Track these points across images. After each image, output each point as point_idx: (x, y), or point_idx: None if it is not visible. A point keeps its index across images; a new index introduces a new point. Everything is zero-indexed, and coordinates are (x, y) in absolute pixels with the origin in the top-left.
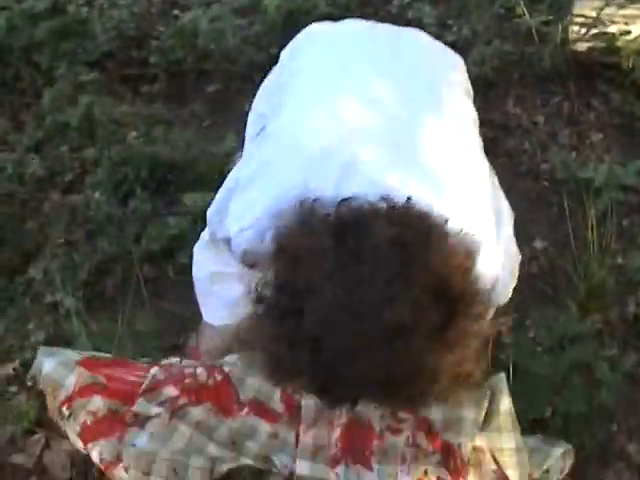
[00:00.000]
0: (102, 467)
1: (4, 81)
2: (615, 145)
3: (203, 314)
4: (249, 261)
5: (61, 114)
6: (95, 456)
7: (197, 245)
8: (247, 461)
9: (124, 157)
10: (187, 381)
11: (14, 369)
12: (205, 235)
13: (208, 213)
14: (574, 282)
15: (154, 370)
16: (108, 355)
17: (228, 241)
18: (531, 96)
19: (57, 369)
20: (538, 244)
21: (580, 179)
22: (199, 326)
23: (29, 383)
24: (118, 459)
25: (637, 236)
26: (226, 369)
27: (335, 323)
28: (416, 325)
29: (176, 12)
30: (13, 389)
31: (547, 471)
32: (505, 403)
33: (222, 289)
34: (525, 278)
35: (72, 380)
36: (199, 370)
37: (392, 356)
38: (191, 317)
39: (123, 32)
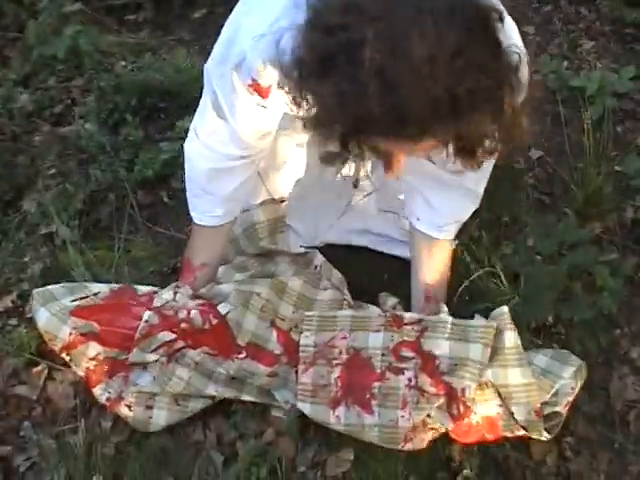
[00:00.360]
0: (107, 405)
1: None
2: (606, 52)
3: (196, 218)
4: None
5: (47, 47)
6: (102, 397)
7: (187, 142)
8: (248, 397)
9: (113, 86)
10: (182, 325)
11: (12, 302)
12: (197, 123)
13: (207, 67)
14: (571, 190)
15: (147, 315)
16: (101, 285)
17: (238, 66)
18: (521, 6)
19: (51, 320)
20: (534, 154)
21: (573, 87)
22: (190, 238)
23: (29, 315)
24: (121, 397)
25: (632, 142)
26: (222, 311)
27: (400, 41)
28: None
29: None
30: (13, 322)
31: (556, 394)
32: (511, 338)
33: (218, 187)
34: (523, 187)
35: (66, 330)
36: (193, 313)
37: (455, 73)
38: (187, 240)
39: None
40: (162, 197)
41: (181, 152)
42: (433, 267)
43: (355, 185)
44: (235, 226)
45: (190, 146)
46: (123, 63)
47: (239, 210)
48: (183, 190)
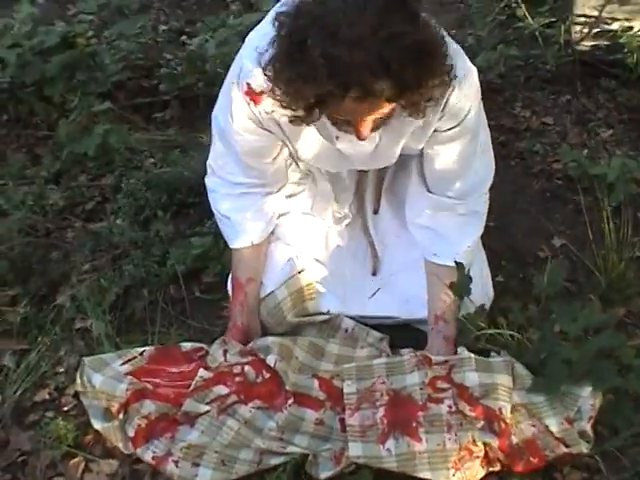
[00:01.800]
0: (153, 464)
1: (18, 117)
2: (625, 140)
3: (230, 242)
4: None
5: (77, 145)
6: (147, 455)
7: (207, 177)
8: (295, 450)
9: (143, 183)
10: (237, 379)
11: (49, 394)
12: (210, 159)
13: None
14: (595, 276)
15: (202, 372)
16: (150, 348)
17: (237, 77)
18: (539, 98)
19: (107, 381)
20: (557, 242)
21: (593, 175)
22: (232, 261)
23: (65, 408)
24: (169, 454)
25: None
26: (270, 362)
27: (334, 28)
28: None
29: (183, 39)
30: (50, 414)
31: (579, 411)
32: (520, 366)
33: (237, 213)
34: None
35: (124, 387)
36: (247, 369)
37: (381, 43)
38: (220, 332)
39: (132, 62)
40: (194, 291)
41: (211, 246)
42: (445, 290)
43: (374, 273)
44: (261, 308)
45: (209, 180)
46: (152, 160)
47: (268, 229)
48: (214, 284)
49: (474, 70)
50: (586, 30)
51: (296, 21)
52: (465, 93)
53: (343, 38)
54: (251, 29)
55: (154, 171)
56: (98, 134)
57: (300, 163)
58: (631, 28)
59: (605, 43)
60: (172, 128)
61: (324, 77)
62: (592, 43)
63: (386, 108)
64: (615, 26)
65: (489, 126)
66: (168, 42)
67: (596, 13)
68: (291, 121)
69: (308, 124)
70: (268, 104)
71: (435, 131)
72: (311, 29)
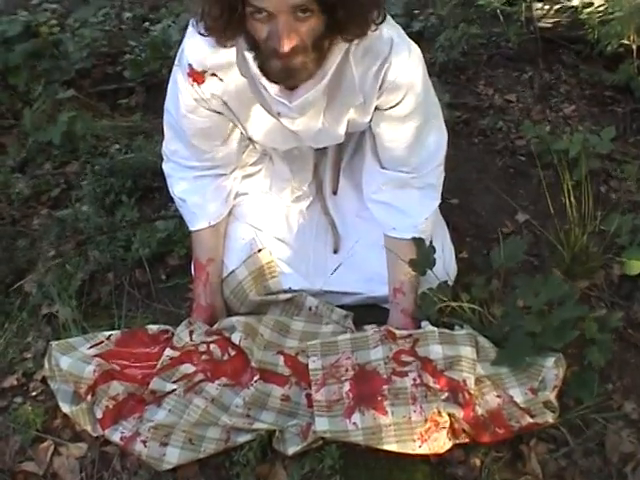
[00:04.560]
0: (122, 444)
1: None
2: (587, 115)
3: (189, 225)
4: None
5: (42, 133)
6: (115, 436)
7: (163, 163)
8: (262, 426)
9: (108, 169)
10: (203, 358)
11: (17, 380)
12: (164, 146)
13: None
14: (558, 250)
15: (169, 351)
16: (116, 332)
17: (180, 60)
18: (501, 76)
19: (75, 364)
20: (520, 217)
21: (555, 151)
22: (192, 244)
23: (33, 393)
24: (137, 434)
25: (616, 201)
26: (235, 340)
27: None
28: None
29: (146, 25)
30: (18, 400)
31: (543, 380)
32: (484, 339)
33: (192, 196)
34: None
35: (91, 369)
36: (213, 347)
37: None
38: (185, 314)
39: (96, 49)
40: (160, 275)
41: (175, 230)
42: (403, 264)
43: (335, 252)
44: (223, 288)
45: (165, 166)
46: (117, 146)
47: (225, 210)
48: (179, 267)
49: (414, 47)
50: (547, 7)
51: None
52: (403, 69)
53: None
54: None
55: (119, 157)
56: (63, 122)
57: (255, 144)
58: (591, 4)
59: (566, 19)
60: (137, 114)
61: None
62: (553, 20)
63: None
64: (575, 2)
65: (452, 104)
66: (132, 29)
67: None
68: (219, 41)
69: (235, 34)
70: (212, 83)
71: (379, 109)
72: None
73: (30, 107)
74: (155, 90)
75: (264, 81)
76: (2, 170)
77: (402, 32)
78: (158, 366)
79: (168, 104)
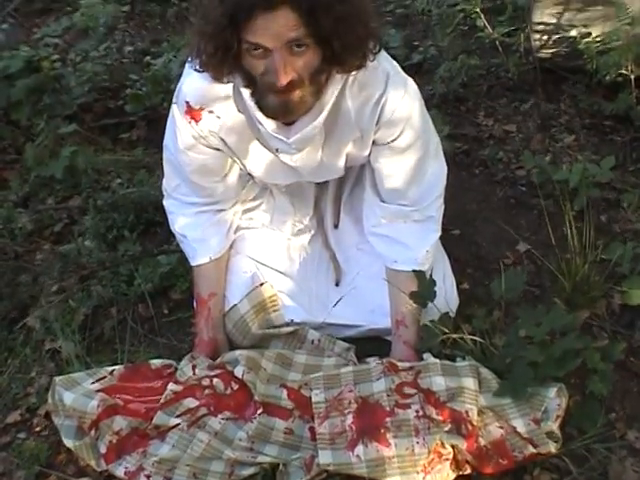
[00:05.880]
0: (126, 479)
1: None
2: (587, 145)
3: (190, 260)
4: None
5: (44, 168)
6: (119, 471)
7: (164, 200)
8: (266, 459)
9: (110, 204)
10: (206, 392)
11: (21, 415)
12: (164, 183)
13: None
14: (560, 280)
15: (172, 386)
16: (119, 367)
17: (177, 98)
18: (501, 106)
19: (79, 398)
20: (521, 247)
21: (556, 181)
22: (194, 278)
23: (37, 428)
24: (141, 468)
25: (617, 230)
26: (238, 374)
27: None
28: None
29: (148, 59)
30: (22, 435)
31: (545, 411)
32: (486, 370)
33: (193, 231)
34: None
35: (95, 404)
36: (216, 381)
37: None
38: (188, 348)
39: (98, 83)
40: (162, 309)
41: (178, 264)
42: (405, 296)
43: (337, 284)
44: (226, 322)
45: (166, 202)
46: (119, 180)
47: (226, 244)
48: (182, 301)
49: (410, 82)
50: (546, 37)
51: None
52: (400, 104)
53: None
54: None
55: (121, 191)
56: (65, 156)
57: (255, 178)
58: (589, 34)
59: (565, 50)
60: (138, 148)
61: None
62: (552, 50)
63: (299, 31)
64: (574, 32)
65: (452, 135)
66: (133, 63)
67: (554, 20)
68: (215, 77)
69: (231, 70)
70: (209, 120)
71: (377, 144)
72: None
73: (32, 142)
74: (156, 124)
75: (261, 117)
76: (5, 205)
77: (397, 67)
78: (161, 400)
79: (167, 141)
